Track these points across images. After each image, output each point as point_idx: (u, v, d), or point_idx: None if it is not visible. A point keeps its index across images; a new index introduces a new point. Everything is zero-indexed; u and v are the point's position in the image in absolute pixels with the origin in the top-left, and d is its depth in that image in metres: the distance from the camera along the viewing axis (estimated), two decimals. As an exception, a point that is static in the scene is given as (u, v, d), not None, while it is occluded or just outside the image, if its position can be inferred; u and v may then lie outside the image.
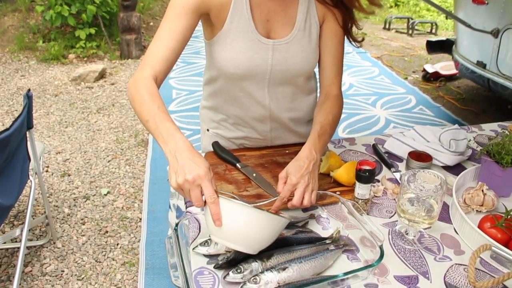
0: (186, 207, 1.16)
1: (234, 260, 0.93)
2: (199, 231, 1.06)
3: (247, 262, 0.92)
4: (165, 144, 0.92)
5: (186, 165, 0.87)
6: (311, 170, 1.05)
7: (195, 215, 1.08)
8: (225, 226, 0.86)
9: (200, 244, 0.98)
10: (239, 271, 0.90)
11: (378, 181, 1.30)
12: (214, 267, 0.95)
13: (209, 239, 0.98)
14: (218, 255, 0.99)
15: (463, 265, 0.99)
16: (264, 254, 0.94)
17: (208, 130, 1.49)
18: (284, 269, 0.90)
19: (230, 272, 0.90)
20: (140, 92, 1.03)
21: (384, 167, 1.38)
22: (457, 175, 1.26)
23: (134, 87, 1.05)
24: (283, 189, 1.03)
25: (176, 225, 0.98)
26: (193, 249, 0.99)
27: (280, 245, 0.98)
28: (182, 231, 1.00)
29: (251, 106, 1.33)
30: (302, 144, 1.47)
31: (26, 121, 1.94)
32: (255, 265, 0.91)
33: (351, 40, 1.29)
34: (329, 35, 1.26)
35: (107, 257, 2.36)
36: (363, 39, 1.31)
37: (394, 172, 1.35)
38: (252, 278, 0.87)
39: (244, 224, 0.86)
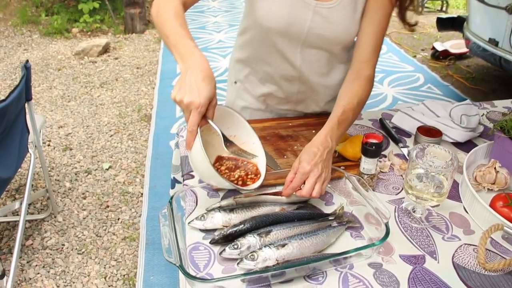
0: (184, 180, 1.12)
1: (231, 236, 0.90)
2: (196, 205, 1.02)
3: (244, 237, 0.88)
4: (182, 61, 0.91)
5: (189, 87, 0.86)
6: (325, 158, 0.98)
7: (192, 187, 1.03)
8: (191, 153, 0.92)
9: (196, 218, 0.94)
10: (236, 247, 0.86)
11: (385, 156, 1.25)
12: (210, 243, 0.91)
13: (205, 213, 0.94)
14: (214, 230, 0.94)
15: (473, 245, 0.94)
16: (262, 230, 0.90)
17: (235, 82, 1.45)
18: (283, 245, 0.85)
19: (227, 248, 0.87)
20: (166, 9, 1.01)
21: (391, 142, 1.33)
22: (468, 152, 1.20)
23: (162, 3, 1.03)
24: (293, 178, 0.97)
25: (171, 198, 0.94)
26: (189, 223, 0.95)
27: (280, 220, 0.94)
28: (179, 204, 0.96)
29: (281, 64, 1.28)
30: (310, 116, 1.42)
31: (24, 92, 1.89)
32: (253, 241, 0.87)
33: (403, 21, 1.18)
34: (375, 6, 1.15)
35: (108, 232, 2.34)
36: (416, 23, 1.19)
37: (401, 147, 1.29)
38: (250, 255, 0.83)
39: (199, 163, 0.91)
